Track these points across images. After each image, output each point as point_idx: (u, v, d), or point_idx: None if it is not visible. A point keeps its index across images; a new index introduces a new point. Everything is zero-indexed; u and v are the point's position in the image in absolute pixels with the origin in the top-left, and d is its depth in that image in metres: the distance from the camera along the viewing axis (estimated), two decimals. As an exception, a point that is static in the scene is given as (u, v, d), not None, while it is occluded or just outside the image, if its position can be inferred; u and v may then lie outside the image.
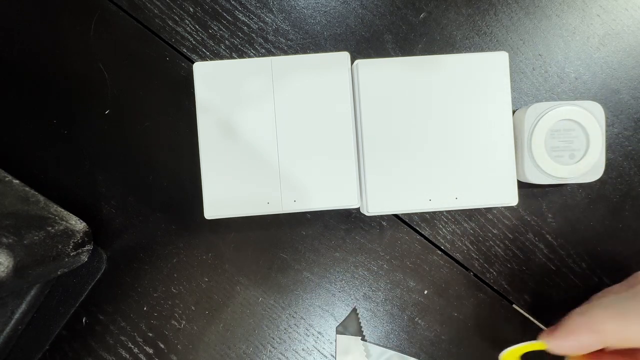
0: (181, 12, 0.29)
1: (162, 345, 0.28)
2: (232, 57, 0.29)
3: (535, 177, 0.26)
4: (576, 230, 0.28)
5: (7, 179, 0.24)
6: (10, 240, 0.21)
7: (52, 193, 0.27)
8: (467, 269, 0.28)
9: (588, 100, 0.27)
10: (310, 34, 0.29)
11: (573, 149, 0.26)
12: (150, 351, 0.28)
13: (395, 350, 0.28)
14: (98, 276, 0.28)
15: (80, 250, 0.26)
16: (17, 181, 0.24)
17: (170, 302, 0.28)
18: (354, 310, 0.28)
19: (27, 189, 0.25)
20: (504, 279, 0.28)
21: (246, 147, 0.25)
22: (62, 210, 0.26)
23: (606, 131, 0.28)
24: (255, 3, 0.29)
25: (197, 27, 0.29)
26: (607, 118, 0.27)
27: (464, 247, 0.28)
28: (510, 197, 0.25)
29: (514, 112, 0.28)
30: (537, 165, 0.26)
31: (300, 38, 0.29)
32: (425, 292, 0.28)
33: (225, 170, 0.25)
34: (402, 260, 0.28)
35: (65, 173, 0.28)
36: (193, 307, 0.28)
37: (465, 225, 0.28)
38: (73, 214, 0.26)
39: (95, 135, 0.28)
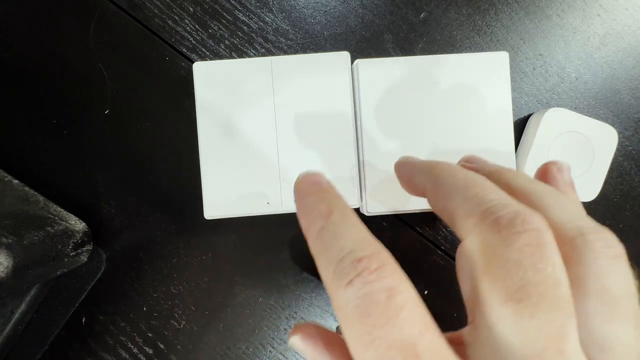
0: (181, 11, 0.29)
1: (161, 346, 0.28)
2: (232, 57, 0.29)
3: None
4: (577, 231, 0.28)
5: (6, 179, 0.24)
6: (9, 241, 0.21)
7: (52, 193, 0.27)
8: (467, 269, 0.28)
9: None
10: (310, 33, 0.29)
11: (576, 164, 0.26)
12: (150, 351, 0.28)
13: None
14: (98, 276, 0.28)
15: (79, 251, 0.26)
16: (16, 181, 0.24)
17: (170, 302, 0.28)
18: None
19: (27, 189, 0.24)
20: (505, 279, 0.28)
21: (246, 147, 0.25)
22: (62, 210, 0.26)
23: (607, 131, 0.28)
24: (255, 3, 0.29)
25: (197, 26, 0.29)
26: (619, 139, 0.27)
27: (464, 247, 0.28)
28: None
29: (531, 114, 0.28)
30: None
31: (300, 38, 0.29)
32: (426, 292, 0.28)
33: (225, 170, 0.25)
34: (402, 260, 0.28)
35: (65, 173, 0.28)
36: (193, 307, 0.28)
37: (466, 225, 0.28)
38: (73, 214, 0.26)
39: (95, 135, 0.28)
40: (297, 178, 0.17)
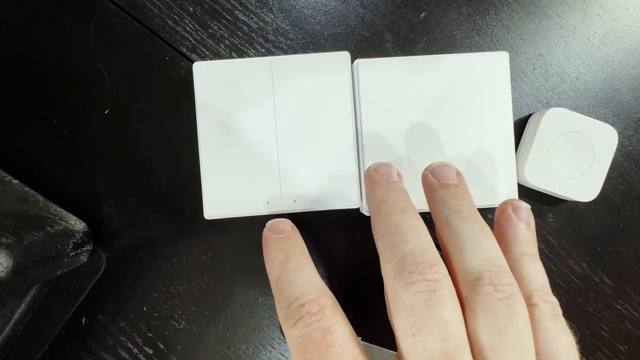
0: (181, 11, 0.29)
1: (161, 346, 0.28)
2: (232, 57, 0.29)
3: (533, 181, 0.26)
4: (577, 231, 0.28)
5: (6, 178, 0.24)
6: (9, 241, 0.21)
7: (52, 193, 0.27)
8: (467, 269, 0.28)
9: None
10: (310, 33, 0.29)
11: (576, 164, 0.26)
12: (150, 351, 0.28)
13: (395, 350, 0.28)
14: (97, 276, 0.28)
15: (79, 251, 0.26)
16: (16, 181, 0.24)
17: (169, 303, 0.28)
18: (354, 310, 0.28)
19: (27, 189, 0.24)
20: (505, 279, 0.28)
21: (246, 147, 0.25)
22: (62, 210, 0.26)
23: (607, 131, 0.28)
24: (255, 2, 0.29)
25: (197, 26, 0.29)
26: (619, 139, 0.27)
27: (465, 247, 0.28)
28: (510, 197, 0.25)
29: (531, 114, 0.28)
30: (538, 171, 0.26)
31: (300, 38, 0.29)
32: (426, 292, 0.28)
33: (225, 170, 0.25)
34: (403, 260, 0.28)
35: (65, 173, 0.28)
36: (193, 308, 0.28)
37: (466, 225, 0.28)
38: (72, 214, 0.26)
39: (95, 135, 0.28)
40: (266, 226, 0.21)
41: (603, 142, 0.26)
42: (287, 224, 0.20)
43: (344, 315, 0.17)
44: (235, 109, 0.25)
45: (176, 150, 0.28)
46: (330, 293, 0.18)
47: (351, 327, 0.17)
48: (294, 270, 0.18)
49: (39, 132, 0.28)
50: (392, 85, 0.25)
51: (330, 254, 0.28)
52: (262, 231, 0.29)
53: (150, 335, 0.28)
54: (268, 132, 0.25)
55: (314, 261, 0.29)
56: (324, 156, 0.25)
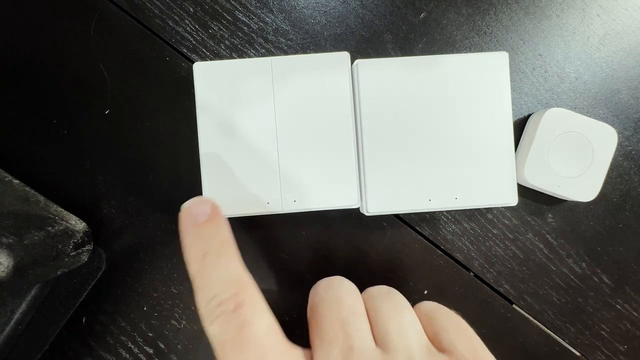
0: (181, 12, 0.29)
1: (162, 345, 0.28)
2: (232, 57, 0.29)
3: (533, 181, 0.26)
4: (576, 230, 0.28)
5: (7, 179, 0.24)
6: (10, 240, 0.21)
7: (52, 193, 0.27)
8: (467, 269, 0.28)
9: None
10: (310, 34, 0.29)
11: (575, 164, 0.26)
12: (150, 351, 0.28)
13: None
14: (98, 276, 0.28)
15: (80, 250, 0.26)
16: (17, 181, 0.24)
17: (170, 302, 0.28)
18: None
19: (27, 188, 0.24)
20: (504, 279, 0.28)
21: (246, 147, 0.25)
22: (62, 210, 0.26)
23: (606, 131, 0.28)
24: (255, 3, 0.29)
25: (197, 27, 0.29)
26: (618, 140, 0.27)
27: (464, 247, 0.28)
28: (510, 197, 0.25)
29: (530, 114, 0.28)
30: (538, 171, 0.26)
31: (300, 38, 0.29)
32: (425, 292, 0.28)
33: (225, 170, 0.25)
34: (402, 260, 0.28)
35: (65, 173, 0.28)
36: (193, 307, 0.28)
37: (465, 225, 0.28)
38: (73, 214, 0.26)
39: (95, 135, 0.28)
40: (182, 207, 0.19)
41: (602, 142, 0.26)
42: (207, 205, 0.18)
43: (266, 307, 0.17)
44: (235, 109, 0.25)
45: (176, 150, 0.28)
46: (252, 284, 0.18)
47: (273, 318, 0.17)
48: (212, 266, 0.17)
49: (39, 132, 0.28)
50: (392, 85, 0.25)
51: (330, 254, 0.28)
52: (262, 231, 0.29)
53: (150, 334, 0.28)
54: (268, 133, 0.25)
55: (314, 261, 0.29)
56: (324, 156, 0.25)
